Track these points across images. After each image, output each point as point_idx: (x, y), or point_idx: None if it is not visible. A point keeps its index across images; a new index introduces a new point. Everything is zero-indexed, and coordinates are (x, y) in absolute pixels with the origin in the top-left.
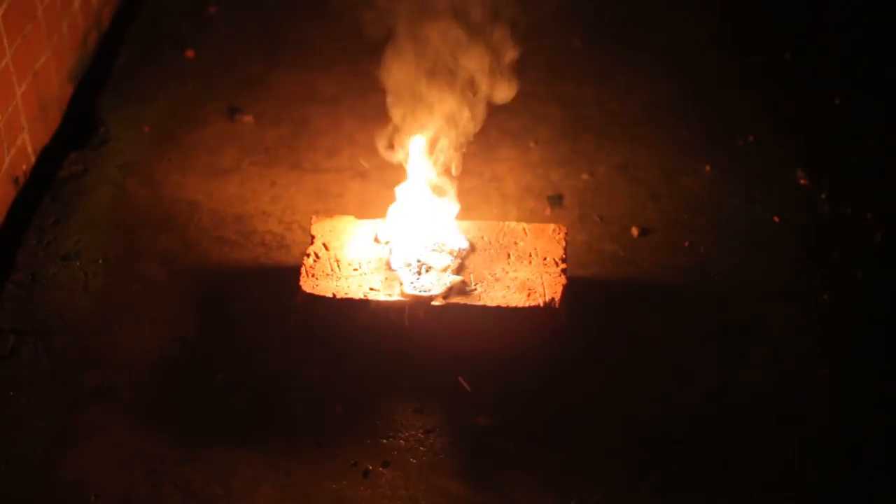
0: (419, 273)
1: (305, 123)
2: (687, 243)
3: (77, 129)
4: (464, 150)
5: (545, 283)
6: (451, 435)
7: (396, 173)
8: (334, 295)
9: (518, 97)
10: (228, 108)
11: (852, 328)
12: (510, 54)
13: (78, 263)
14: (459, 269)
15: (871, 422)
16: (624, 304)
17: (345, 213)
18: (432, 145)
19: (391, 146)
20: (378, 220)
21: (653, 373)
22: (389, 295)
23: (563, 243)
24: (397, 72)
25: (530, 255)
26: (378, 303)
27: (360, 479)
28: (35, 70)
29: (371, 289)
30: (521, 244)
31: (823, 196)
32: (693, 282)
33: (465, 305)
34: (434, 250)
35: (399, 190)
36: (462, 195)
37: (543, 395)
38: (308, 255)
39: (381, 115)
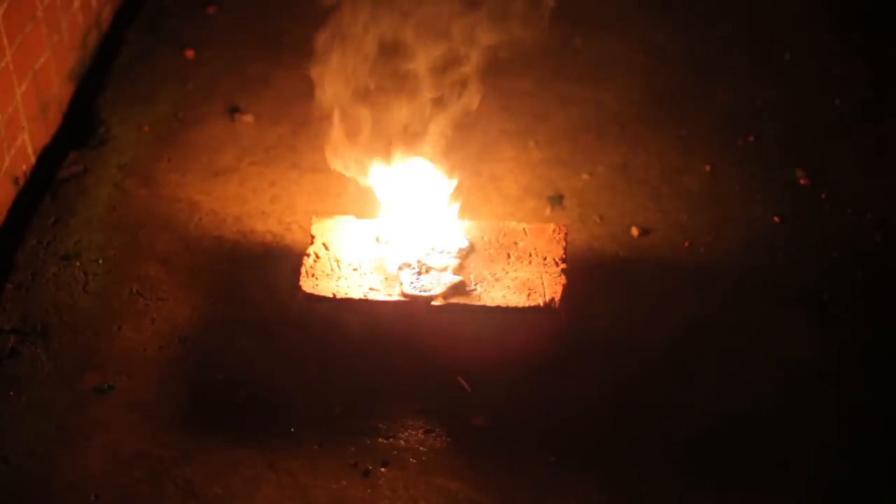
0: (419, 273)
1: (305, 123)
2: (687, 243)
3: (77, 129)
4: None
5: (545, 283)
6: (451, 435)
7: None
8: (334, 295)
9: (518, 97)
10: (228, 108)
11: (852, 328)
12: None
13: (78, 263)
14: (459, 269)
15: (872, 421)
16: (624, 304)
17: (345, 213)
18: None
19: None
20: (378, 220)
21: (653, 373)
22: (389, 295)
23: (563, 243)
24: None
25: (530, 255)
26: (378, 303)
27: (360, 479)
28: (35, 70)
29: (371, 289)
30: (521, 244)
31: (823, 196)
32: (693, 282)
33: (465, 305)
34: (434, 250)
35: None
36: (462, 195)
37: (543, 395)
38: (308, 255)
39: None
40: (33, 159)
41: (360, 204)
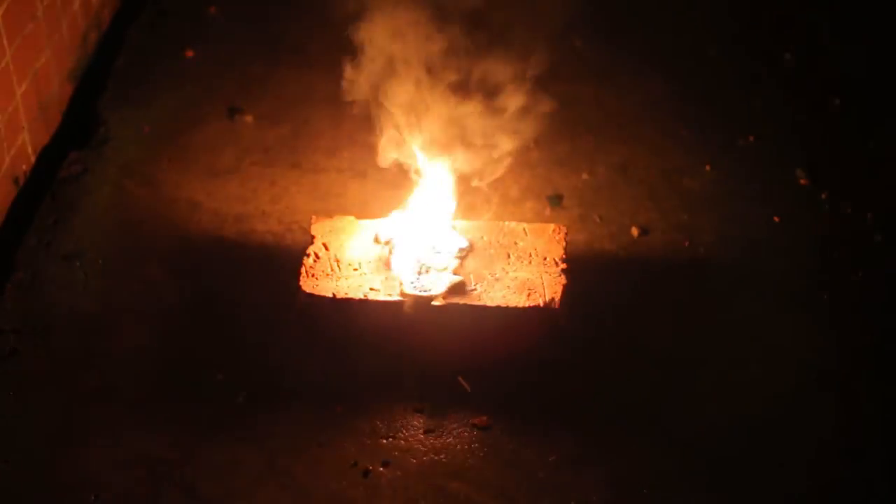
0: (419, 273)
1: (305, 123)
2: (687, 243)
3: (77, 129)
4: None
5: (545, 283)
6: (451, 435)
7: (396, 173)
8: (334, 295)
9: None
10: (228, 108)
11: (852, 328)
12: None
13: (78, 263)
14: (459, 269)
15: (872, 422)
16: (624, 304)
17: (345, 213)
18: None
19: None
20: (378, 220)
21: (653, 373)
22: (389, 295)
23: (563, 243)
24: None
25: (530, 255)
26: (378, 303)
27: (360, 479)
28: (35, 70)
29: (371, 289)
30: (521, 244)
31: (823, 196)
32: (693, 282)
33: (465, 305)
34: (434, 250)
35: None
36: (462, 195)
37: (543, 395)
38: (308, 255)
39: (381, 116)
40: (33, 159)
41: (360, 204)
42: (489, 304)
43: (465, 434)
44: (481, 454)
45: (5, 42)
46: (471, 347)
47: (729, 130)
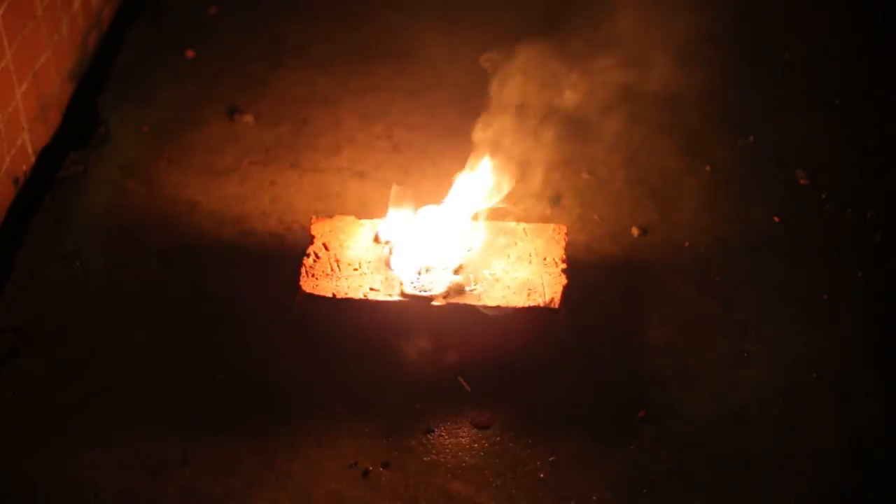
0: (419, 273)
1: (305, 123)
2: (687, 243)
3: (77, 129)
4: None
5: (545, 283)
6: (451, 435)
7: (396, 173)
8: (334, 295)
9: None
10: (228, 108)
11: (852, 328)
12: None
13: (78, 263)
14: (459, 269)
15: (872, 422)
16: (623, 304)
17: (345, 213)
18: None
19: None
20: (378, 220)
21: (653, 373)
22: (389, 295)
23: (563, 243)
24: None
25: (530, 255)
26: (378, 303)
27: (360, 479)
28: (35, 70)
29: (371, 289)
30: (521, 244)
31: (823, 196)
32: (693, 282)
33: (465, 305)
34: (435, 250)
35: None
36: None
37: (543, 395)
38: (308, 255)
39: (381, 115)
40: (33, 159)
41: (360, 204)
42: (489, 304)
43: (465, 434)
44: (481, 454)
45: (5, 42)
46: (471, 347)
47: (729, 130)
